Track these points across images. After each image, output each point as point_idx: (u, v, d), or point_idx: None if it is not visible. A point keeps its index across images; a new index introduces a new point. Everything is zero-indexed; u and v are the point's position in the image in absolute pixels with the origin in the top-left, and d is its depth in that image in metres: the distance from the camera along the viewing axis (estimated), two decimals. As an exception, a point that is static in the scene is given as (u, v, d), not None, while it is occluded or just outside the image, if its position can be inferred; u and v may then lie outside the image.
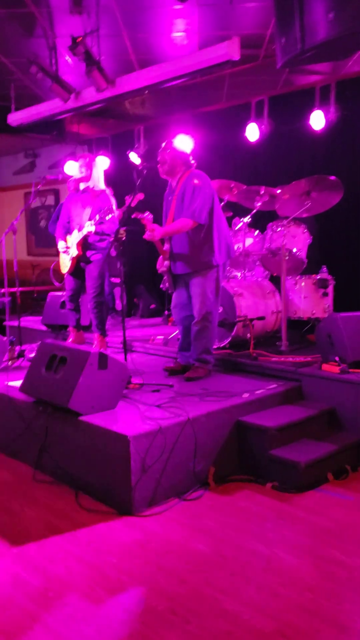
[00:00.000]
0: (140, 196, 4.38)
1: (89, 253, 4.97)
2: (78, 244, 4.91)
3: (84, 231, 4.79)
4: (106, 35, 4.98)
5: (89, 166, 5.01)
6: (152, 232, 4.03)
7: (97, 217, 4.69)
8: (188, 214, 4.01)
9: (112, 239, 5.07)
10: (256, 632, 2.07)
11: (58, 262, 5.25)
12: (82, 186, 5.06)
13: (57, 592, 2.35)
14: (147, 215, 4.06)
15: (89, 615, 2.20)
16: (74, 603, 2.28)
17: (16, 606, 2.26)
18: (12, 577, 2.46)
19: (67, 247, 5.05)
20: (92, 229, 4.73)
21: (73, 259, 4.99)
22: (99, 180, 5.05)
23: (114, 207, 4.83)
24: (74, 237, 4.95)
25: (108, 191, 5.07)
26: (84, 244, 4.92)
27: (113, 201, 4.95)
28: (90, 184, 5.02)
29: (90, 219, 4.80)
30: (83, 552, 2.65)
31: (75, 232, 4.95)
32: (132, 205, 4.69)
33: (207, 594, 2.31)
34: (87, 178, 5.01)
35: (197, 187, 4.03)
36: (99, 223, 4.73)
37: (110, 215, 4.66)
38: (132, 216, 4.06)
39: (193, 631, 2.08)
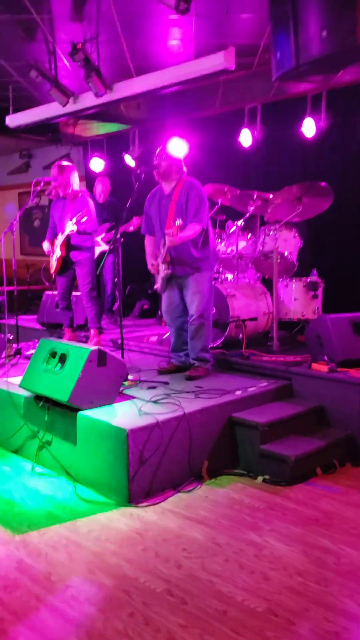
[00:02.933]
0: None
1: (75, 254, 5.16)
2: (61, 245, 5.12)
3: (66, 232, 5.02)
4: (105, 41, 5.10)
5: (60, 173, 5.15)
6: (174, 238, 4.03)
7: (74, 219, 4.92)
8: (197, 220, 4.16)
9: (94, 236, 5.29)
10: (249, 612, 2.21)
11: (49, 262, 5.39)
12: (61, 192, 5.22)
13: (60, 576, 2.47)
14: (180, 223, 4.05)
15: (91, 596, 2.33)
16: (76, 586, 2.41)
17: (22, 588, 2.38)
18: (17, 562, 2.59)
19: (52, 247, 5.21)
20: (74, 228, 4.95)
21: (58, 259, 5.18)
22: (74, 184, 5.21)
23: (92, 208, 5.06)
24: (58, 240, 5.14)
25: (83, 192, 5.25)
26: (68, 245, 5.12)
27: (90, 202, 5.14)
28: (67, 189, 5.17)
29: (70, 220, 5.02)
30: (83, 540, 2.78)
31: (60, 235, 5.12)
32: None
33: (203, 577, 2.45)
34: (60, 185, 5.16)
35: (200, 195, 4.22)
36: (77, 223, 4.94)
37: (85, 218, 4.90)
38: (166, 229, 4.09)
39: (189, 610, 2.22)
